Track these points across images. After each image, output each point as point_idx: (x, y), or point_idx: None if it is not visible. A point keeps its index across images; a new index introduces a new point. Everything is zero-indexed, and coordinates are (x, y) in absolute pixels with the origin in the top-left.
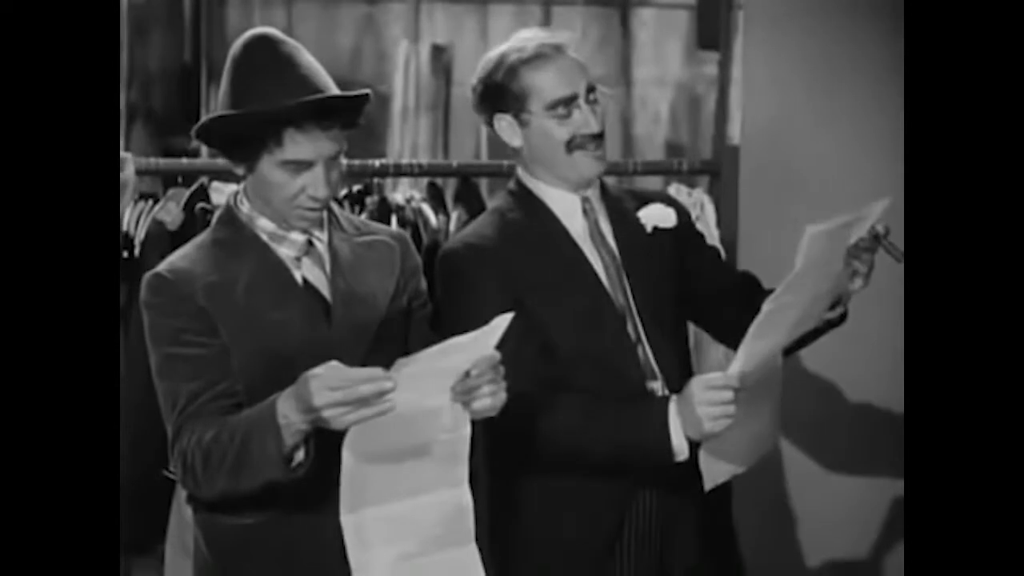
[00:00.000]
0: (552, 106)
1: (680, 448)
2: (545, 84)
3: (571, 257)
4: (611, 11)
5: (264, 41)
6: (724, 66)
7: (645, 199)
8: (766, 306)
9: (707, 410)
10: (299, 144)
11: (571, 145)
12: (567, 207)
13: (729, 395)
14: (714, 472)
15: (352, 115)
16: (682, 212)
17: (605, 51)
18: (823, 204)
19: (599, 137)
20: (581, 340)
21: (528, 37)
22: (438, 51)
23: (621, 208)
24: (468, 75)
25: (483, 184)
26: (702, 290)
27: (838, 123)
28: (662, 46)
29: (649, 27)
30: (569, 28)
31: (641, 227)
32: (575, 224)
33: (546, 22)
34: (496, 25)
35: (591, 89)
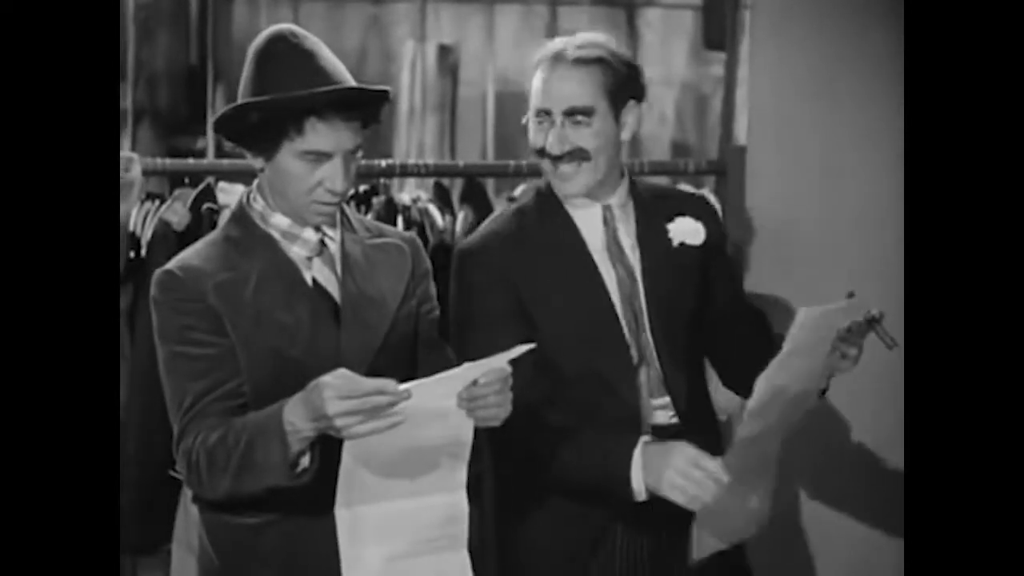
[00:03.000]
0: (535, 114)
1: (639, 490)
2: (534, 90)
3: (583, 271)
4: (617, 11)
5: (287, 35)
6: (730, 66)
7: (678, 206)
8: (760, 385)
9: (677, 481)
10: (320, 134)
11: (541, 155)
12: (587, 215)
13: (710, 485)
14: (703, 544)
15: (373, 111)
16: (712, 227)
17: None
18: (829, 204)
19: (559, 159)
20: (581, 357)
21: (565, 40)
22: (444, 51)
23: (649, 216)
24: (474, 75)
25: (489, 184)
26: (712, 313)
27: (844, 122)
28: (668, 46)
29: (655, 27)
30: (575, 28)
31: (668, 240)
32: (593, 234)
33: (552, 22)
34: (502, 25)
35: (572, 112)
